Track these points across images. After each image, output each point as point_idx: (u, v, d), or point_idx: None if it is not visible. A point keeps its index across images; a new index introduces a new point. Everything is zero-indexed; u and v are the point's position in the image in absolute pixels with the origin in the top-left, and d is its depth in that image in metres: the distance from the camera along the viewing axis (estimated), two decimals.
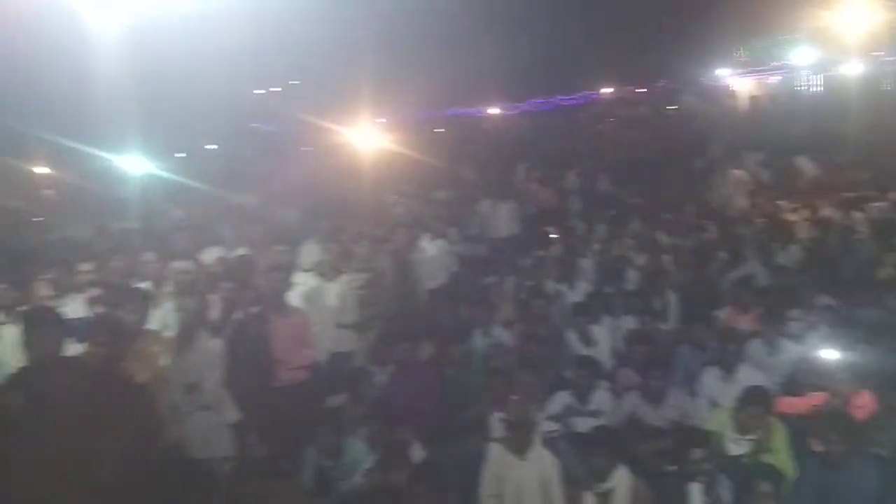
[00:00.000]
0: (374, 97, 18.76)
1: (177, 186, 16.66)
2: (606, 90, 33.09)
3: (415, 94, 25.03)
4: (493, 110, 30.12)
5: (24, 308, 5.16)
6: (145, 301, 5.17)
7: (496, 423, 5.37)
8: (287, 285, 6.00)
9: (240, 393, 5.34)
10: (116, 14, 9.46)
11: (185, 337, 5.21)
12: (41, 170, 24.80)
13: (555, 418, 5.60)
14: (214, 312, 5.59)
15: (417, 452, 5.07)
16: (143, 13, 9.55)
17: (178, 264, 6.05)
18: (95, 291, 5.67)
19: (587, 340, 6.63)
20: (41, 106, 19.00)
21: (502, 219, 11.09)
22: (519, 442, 4.92)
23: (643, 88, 32.61)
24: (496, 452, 4.95)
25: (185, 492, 4.27)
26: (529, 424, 5.01)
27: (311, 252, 7.54)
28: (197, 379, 5.14)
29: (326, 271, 6.90)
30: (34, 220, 18.95)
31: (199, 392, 5.13)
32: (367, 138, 15.80)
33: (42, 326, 3.96)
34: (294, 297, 6.17)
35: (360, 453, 5.32)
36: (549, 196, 12.45)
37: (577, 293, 7.61)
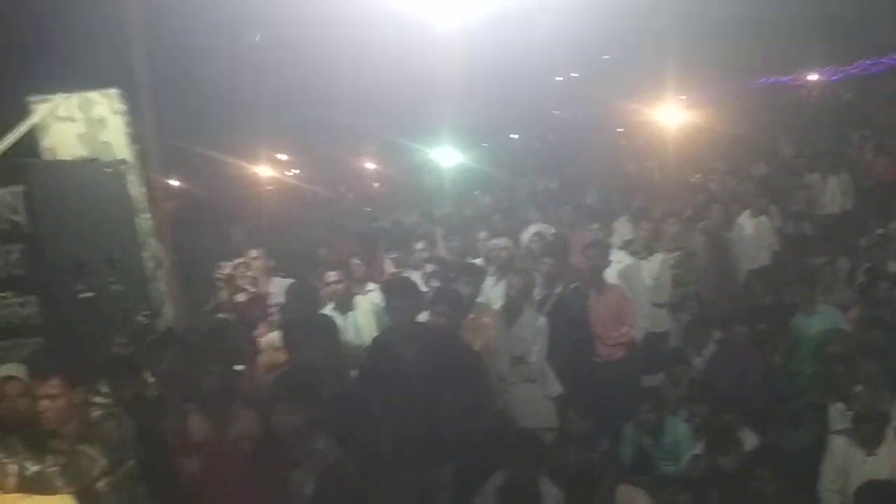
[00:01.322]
0: (675, 73, 17.99)
1: (484, 174, 17.67)
2: None
3: (719, 65, 23.51)
4: (813, 76, 27.14)
5: (387, 279, 5.88)
6: (479, 276, 5.61)
7: (836, 413, 4.95)
8: (604, 262, 6.08)
9: (561, 367, 5.55)
10: (438, 17, 10.23)
11: (512, 311, 5.53)
12: (370, 165, 27.98)
13: None
14: (538, 288, 5.85)
15: (749, 438, 4.85)
16: (459, 13, 10.21)
17: (497, 241, 6.44)
18: (430, 267, 6.26)
19: None
20: (371, 106, 21.29)
21: (832, 194, 10.03)
22: (867, 436, 4.50)
23: None
24: (840, 445, 4.57)
25: (509, 456, 4.59)
26: (880, 418, 4.53)
27: (623, 230, 7.56)
28: (522, 352, 5.43)
29: (638, 249, 6.88)
30: (365, 209, 21.42)
31: (524, 364, 5.43)
32: (670, 116, 15.31)
33: (403, 295, 4.52)
34: (610, 275, 6.23)
35: (681, 434, 5.24)
36: (888, 167, 10.96)
37: None
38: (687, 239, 7.43)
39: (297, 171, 26.78)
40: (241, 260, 6.77)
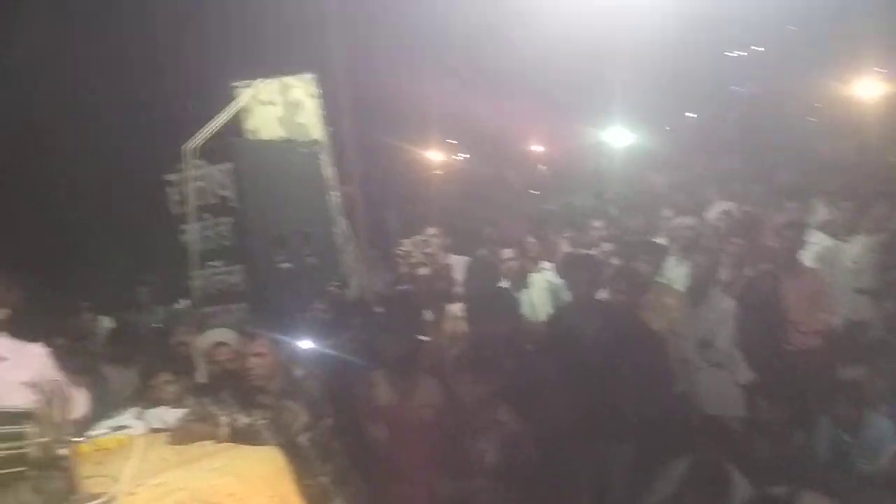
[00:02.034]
0: (871, 44, 16.31)
1: (657, 154, 17.05)
2: None
3: None
4: None
5: (567, 255, 5.85)
6: (659, 254, 5.43)
7: None
8: (800, 244, 5.66)
9: (751, 353, 5.25)
10: None
11: (697, 292, 5.30)
12: (536, 147, 27.86)
13: None
14: (724, 269, 5.57)
15: None
16: None
17: (682, 220, 6.18)
18: (608, 246, 6.15)
19: None
20: (538, 88, 21.09)
21: None
22: None
23: None
24: None
25: (695, 441, 4.41)
26: None
27: (820, 210, 7.00)
28: (708, 335, 5.19)
29: (838, 231, 6.35)
30: (531, 191, 21.38)
31: (710, 349, 5.18)
32: (867, 91, 13.93)
33: (584, 271, 4.48)
34: (807, 257, 5.80)
35: (884, 432, 4.80)
36: None
37: None
38: (893, 221, 6.75)
39: (466, 156, 27.19)
40: (420, 237, 6.99)
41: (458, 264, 6.23)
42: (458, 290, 5.63)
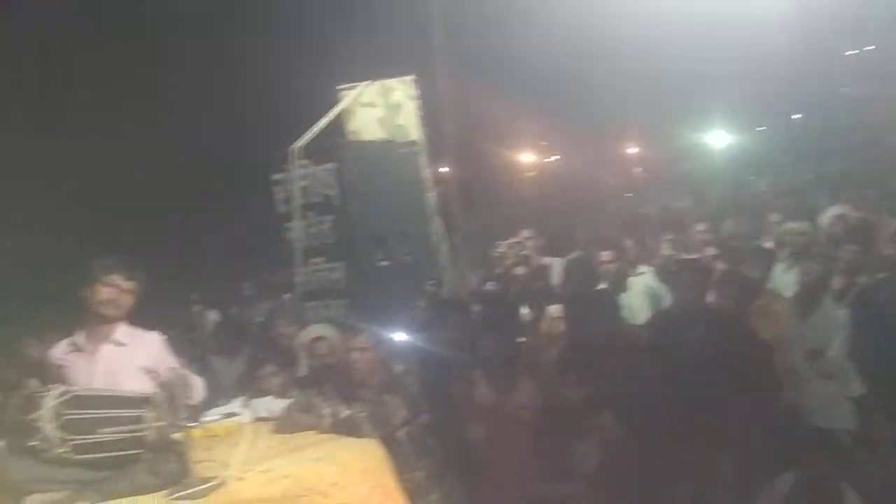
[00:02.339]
0: None
1: (760, 158, 16.43)
2: None
3: None
4: None
5: (673, 258, 5.74)
6: (768, 259, 5.21)
7: None
8: None
9: (864, 365, 4.98)
10: None
11: (808, 300, 5.06)
12: (632, 149, 27.33)
13: None
14: (837, 277, 5.30)
15: None
16: None
17: (793, 225, 5.91)
18: (712, 250, 5.96)
19: None
20: (635, 88, 20.66)
21: None
22: None
23: None
24: None
25: (803, 456, 4.21)
26: None
27: None
28: (819, 345, 4.96)
29: None
30: (626, 194, 20.98)
31: (820, 359, 4.95)
32: None
33: (690, 274, 4.36)
34: None
35: None
36: None
37: None
38: None
39: (558, 157, 26.93)
40: (515, 239, 6.99)
41: (555, 265, 6.18)
42: (556, 291, 5.59)
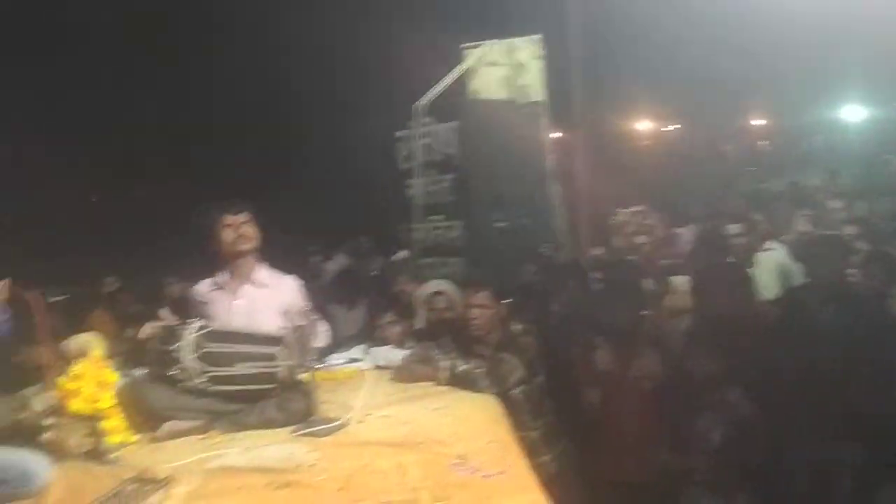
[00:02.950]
0: None
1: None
2: None
3: None
4: None
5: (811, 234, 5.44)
6: None
7: None
8: None
9: None
10: None
11: None
12: (756, 122, 25.94)
13: None
14: None
15: None
16: None
17: None
18: (852, 229, 5.60)
19: None
20: (763, 55, 19.43)
21: None
22: None
23: None
24: None
25: None
26: None
27: None
28: None
29: None
30: (748, 168, 19.99)
31: None
32: None
33: (829, 251, 4.13)
34: None
35: None
36: None
37: None
38: None
39: (678, 126, 25.88)
40: (637, 207, 6.78)
41: (682, 235, 5.98)
42: (683, 262, 5.40)
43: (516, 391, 3.93)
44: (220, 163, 8.05)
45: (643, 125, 24.02)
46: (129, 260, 6.89)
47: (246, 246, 3.85)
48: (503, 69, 6.76)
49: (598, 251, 6.71)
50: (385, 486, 2.68)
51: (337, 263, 7.39)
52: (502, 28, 6.86)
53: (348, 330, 5.40)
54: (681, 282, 5.03)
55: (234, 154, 7.99)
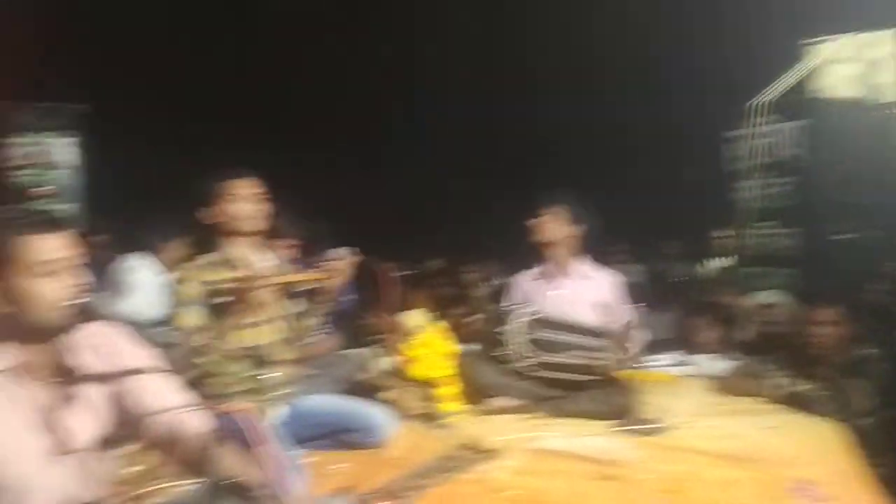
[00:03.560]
0: None
1: None
2: None
3: None
4: None
5: None
6: None
7: None
8: None
9: None
10: None
11: None
12: None
13: None
14: None
15: None
16: None
17: None
18: None
19: None
20: None
21: None
22: None
23: None
24: None
25: None
26: None
27: None
28: None
29: None
30: None
31: None
32: None
33: None
34: None
35: None
36: None
37: None
38: None
39: None
40: None
41: None
42: None
43: (865, 421, 3.48)
44: (538, 162, 8.26)
45: None
46: (447, 246, 7.34)
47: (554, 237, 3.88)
48: (856, 66, 6.03)
49: None
50: (712, 497, 2.56)
51: (643, 266, 7.18)
52: (847, 23, 6.11)
53: (658, 334, 5.22)
54: None
55: (556, 151, 8.13)
